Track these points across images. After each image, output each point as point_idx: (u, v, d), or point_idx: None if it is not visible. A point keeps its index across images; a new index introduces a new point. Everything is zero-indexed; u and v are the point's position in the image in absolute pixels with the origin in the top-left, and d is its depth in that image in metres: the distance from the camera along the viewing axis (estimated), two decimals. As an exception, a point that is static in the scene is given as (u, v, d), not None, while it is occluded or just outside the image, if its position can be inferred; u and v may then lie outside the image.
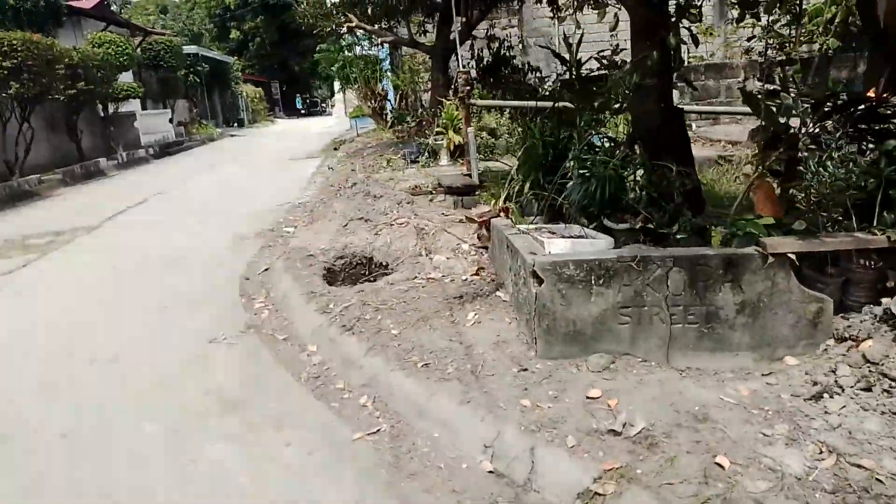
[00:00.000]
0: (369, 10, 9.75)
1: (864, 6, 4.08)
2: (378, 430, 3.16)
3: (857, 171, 2.87)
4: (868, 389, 2.58)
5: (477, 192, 6.28)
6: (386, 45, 17.62)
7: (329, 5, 11.67)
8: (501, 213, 4.36)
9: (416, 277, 4.50)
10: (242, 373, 3.87)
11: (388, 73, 17.64)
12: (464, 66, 6.91)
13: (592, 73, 4.30)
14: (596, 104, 4.01)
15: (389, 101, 17.38)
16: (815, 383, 2.78)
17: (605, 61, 4.18)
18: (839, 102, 3.47)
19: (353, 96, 30.11)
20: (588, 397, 2.96)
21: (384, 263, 5.16)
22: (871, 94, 3.64)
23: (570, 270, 3.13)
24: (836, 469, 2.35)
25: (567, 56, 4.34)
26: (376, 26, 11.09)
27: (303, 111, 60.31)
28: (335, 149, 17.53)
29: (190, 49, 28.24)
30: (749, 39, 9.54)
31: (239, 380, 3.78)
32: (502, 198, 4.56)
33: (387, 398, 3.38)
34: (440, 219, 5.53)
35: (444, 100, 9.20)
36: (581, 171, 3.77)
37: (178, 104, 24.72)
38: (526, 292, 3.39)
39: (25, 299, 5.51)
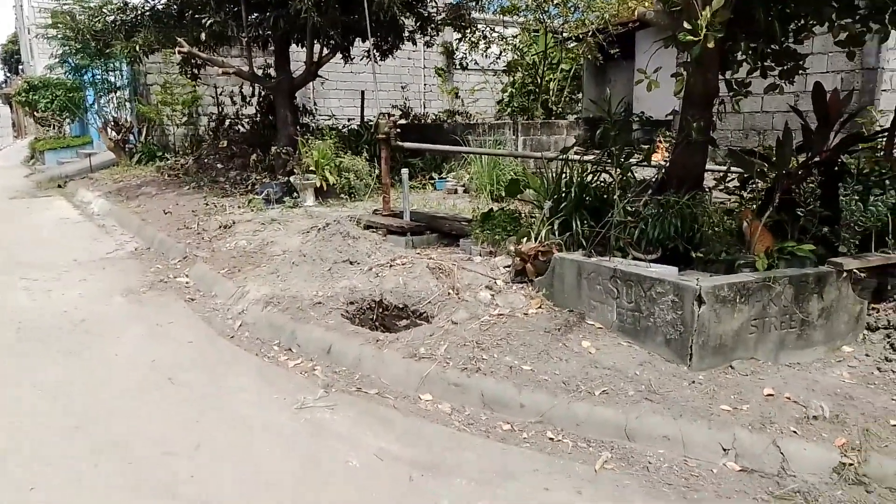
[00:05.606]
0: (202, 36, 8.74)
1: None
2: (603, 459, 3.28)
3: (883, 209, 4.13)
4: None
5: (426, 232, 6.35)
6: (126, 70, 15.61)
7: (117, 23, 9.99)
8: (555, 249, 4.71)
9: (480, 316, 4.53)
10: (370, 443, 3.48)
11: (129, 103, 15.57)
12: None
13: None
14: (639, 155, 4.71)
15: (133, 134, 15.35)
16: (888, 359, 3.89)
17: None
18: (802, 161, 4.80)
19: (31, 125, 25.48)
20: (766, 395, 3.58)
21: (401, 306, 4.97)
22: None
23: (725, 292, 3.74)
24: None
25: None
26: (214, 55, 9.91)
27: None
28: (59, 186, 14.79)
29: None
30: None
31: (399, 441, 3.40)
32: (541, 234, 4.88)
33: (581, 430, 3.48)
34: (438, 257, 5.50)
35: (300, 139, 8.78)
36: (657, 210, 4.41)
37: None
38: (667, 316, 3.86)
39: None
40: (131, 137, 15.33)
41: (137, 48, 9.50)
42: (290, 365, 4.29)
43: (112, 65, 15.21)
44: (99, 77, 15.43)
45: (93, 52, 12.12)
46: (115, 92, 15.57)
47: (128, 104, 15.76)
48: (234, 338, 4.73)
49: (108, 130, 14.86)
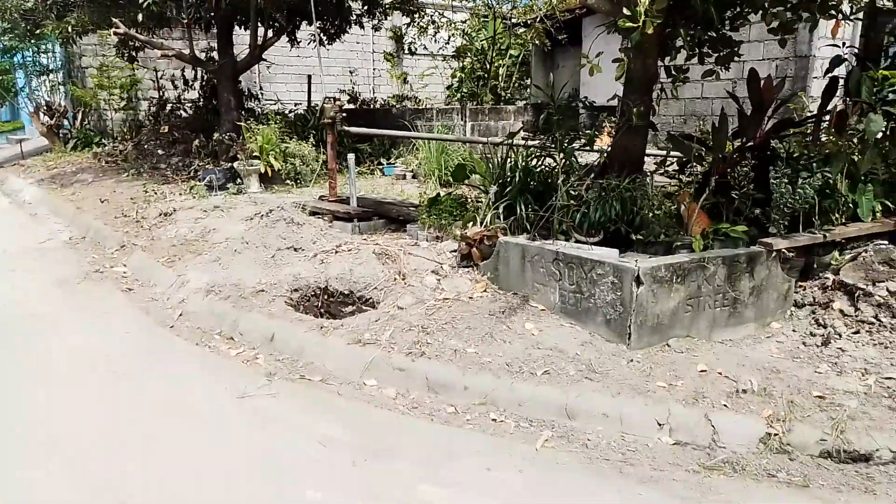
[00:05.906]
0: (139, 17, 8.39)
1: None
2: (544, 437, 3.36)
3: (810, 192, 4.30)
4: (857, 332, 3.95)
5: (373, 218, 6.30)
6: (59, 52, 14.94)
7: (48, 2, 9.49)
8: (499, 233, 4.74)
9: (426, 300, 4.54)
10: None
11: (63, 87, 14.90)
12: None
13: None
14: (578, 140, 4.78)
15: (67, 118, 14.71)
16: (813, 334, 4.08)
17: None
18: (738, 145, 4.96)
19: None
20: (700, 371, 3.72)
21: (347, 292, 4.94)
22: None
23: (662, 273, 3.85)
24: (876, 382, 3.59)
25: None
26: (153, 37, 9.51)
27: None
28: (-10, 172, 14.14)
29: None
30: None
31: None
32: (487, 219, 4.91)
33: (523, 410, 3.55)
34: (385, 243, 5.47)
35: (243, 124, 8.57)
36: (599, 194, 4.49)
37: None
38: (607, 297, 3.95)
39: None
40: (66, 122, 14.67)
41: (70, 29, 9.08)
42: (232, 354, 4.22)
43: (44, 46, 14.53)
44: (30, 59, 14.71)
45: (22, 32, 11.52)
46: (48, 75, 14.87)
47: (62, 87, 15.07)
48: (174, 328, 4.62)
49: (41, 115, 14.18)
